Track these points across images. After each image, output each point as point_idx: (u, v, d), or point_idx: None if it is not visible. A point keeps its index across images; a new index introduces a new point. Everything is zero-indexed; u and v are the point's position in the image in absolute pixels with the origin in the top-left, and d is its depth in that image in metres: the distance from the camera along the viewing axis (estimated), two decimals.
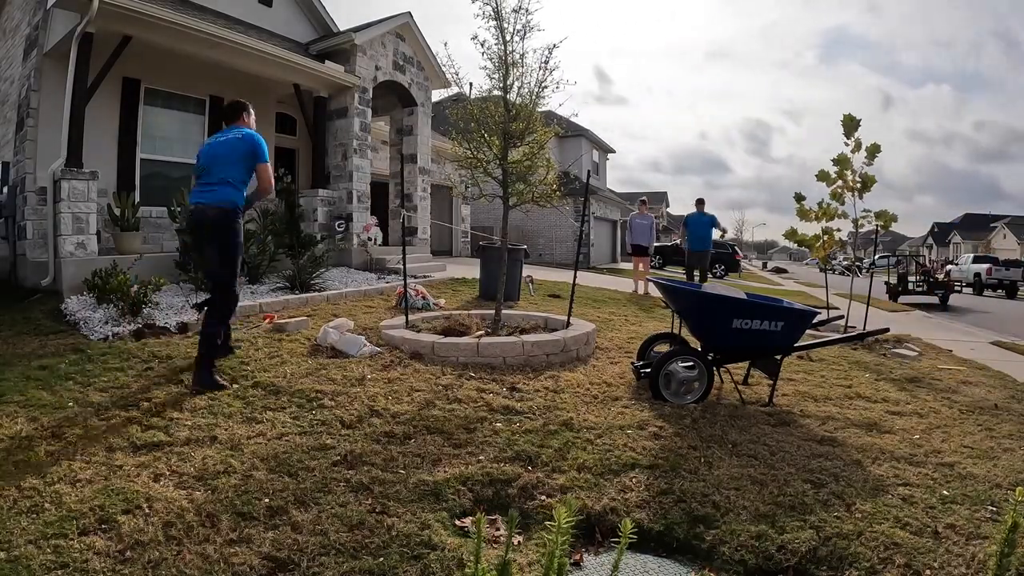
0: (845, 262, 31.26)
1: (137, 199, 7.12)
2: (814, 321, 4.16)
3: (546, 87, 4.91)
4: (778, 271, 43.02)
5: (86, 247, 6.24)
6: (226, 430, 2.99)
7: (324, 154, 9.52)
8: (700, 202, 10.80)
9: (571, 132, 21.48)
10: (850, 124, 7.41)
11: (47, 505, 2.19)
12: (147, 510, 2.19)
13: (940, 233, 58.39)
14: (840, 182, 7.54)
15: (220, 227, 3.76)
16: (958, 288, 20.14)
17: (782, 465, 2.86)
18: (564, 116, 5.44)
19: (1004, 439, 3.43)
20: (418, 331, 4.89)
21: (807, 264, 57.13)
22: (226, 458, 2.66)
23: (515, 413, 3.43)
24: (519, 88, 4.94)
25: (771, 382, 4.02)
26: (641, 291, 10.61)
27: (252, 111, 4.25)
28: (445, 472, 2.65)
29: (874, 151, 7.33)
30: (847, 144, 7.46)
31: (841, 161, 7.51)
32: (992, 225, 52.87)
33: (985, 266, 22.42)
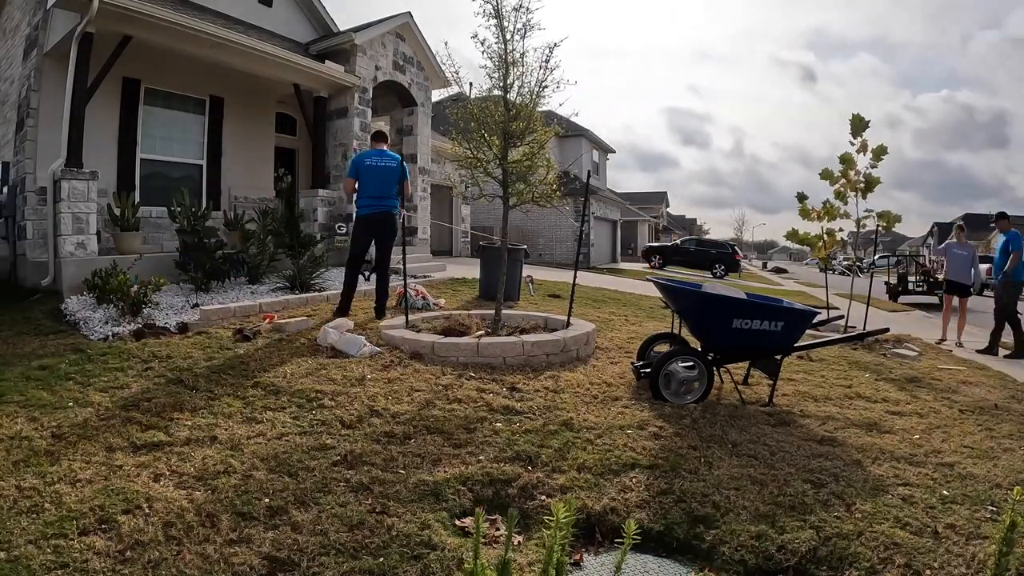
0: (845, 262, 31.26)
1: (137, 199, 7.11)
2: (814, 321, 4.16)
3: (546, 86, 4.91)
4: (778, 271, 43.03)
5: (86, 247, 6.24)
6: (226, 430, 2.99)
7: (324, 154, 9.52)
8: None
9: (571, 132, 21.48)
10: (858, 124, 7.42)
11: (47, 505, 2.19)
12: (147, 510, 2.19)
13: (940, 233, 58.41)
14: (844, 181, 7.55)
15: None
16: None
17: (782, 465, 2.86)
18: (564, 116, 5.43)
19: (1004, 439, 3.43)
20: (418, 331, 4.89)
21: (807, 264, 57.10)
22: (226, 458, 2.65)
23: (515, 413, 3.43)
24: (519, 87, 4.93)
25: (771, 382, 4.02)
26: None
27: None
28: (445, 472, 2.65)
29: (880, 152, 7.34)
30: (852, 144, 7.47)
31: (846, 161, 7.52)
32: (992, 225, 52.76)
33: (985, 266, 22.39)
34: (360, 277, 5.98)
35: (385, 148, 5.95)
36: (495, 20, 4.79)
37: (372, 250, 5.91)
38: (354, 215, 5.97)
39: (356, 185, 5.79)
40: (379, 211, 5.72)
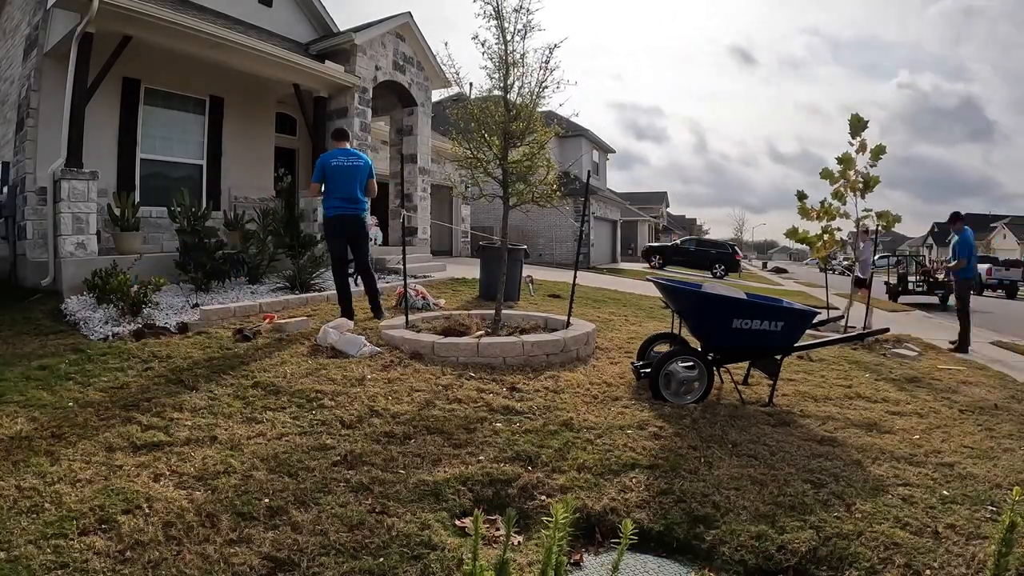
0: (845, 262, 31.27)
1: (137, 199, 7.11)
2: (814, 321, 4.16)
3: (546, 87, 4.91)
4: (778, 271, 43.04)
5: (86, 247, 6.24)
6: (226, 430, 2.99)
7: None
8: None
9: (571, 132, 21.49)
10: (857, 124, 7.43)
11: (47, 505, 2.19)
12: (147, 510, 2.19)
13: (940, 233, 58.31)
14: (843, 181, 7.55)
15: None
16: None
17: (782, 465, 2.86)
18: (564, 116, 5.43)
19: (1004, 439, 3.43)
20: (418, 331, 4.89)
21: (807, 264, 57.12)
22: (226, 458, 2.66)
23: (515, 413, 3.43)
24: (519, 88, 4.93)
25: (771, 382, 4.02)
26: None
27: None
28: (445, 472, 2.65)
29: (879, 152, 7.34)
30: (851, 144, 7.47)
31: (845, 161, 7.52)
32: (992, 225, 52.88)
33: (985, 266, 22.38)
34: (351, 280, 5.89)
35: (348, 146, 5.76)
36: (495, 21, 4.79)
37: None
38: (320, 217, 5.79)
39: (322, 188, 5.55)
40: (349, 213, 5.56)
